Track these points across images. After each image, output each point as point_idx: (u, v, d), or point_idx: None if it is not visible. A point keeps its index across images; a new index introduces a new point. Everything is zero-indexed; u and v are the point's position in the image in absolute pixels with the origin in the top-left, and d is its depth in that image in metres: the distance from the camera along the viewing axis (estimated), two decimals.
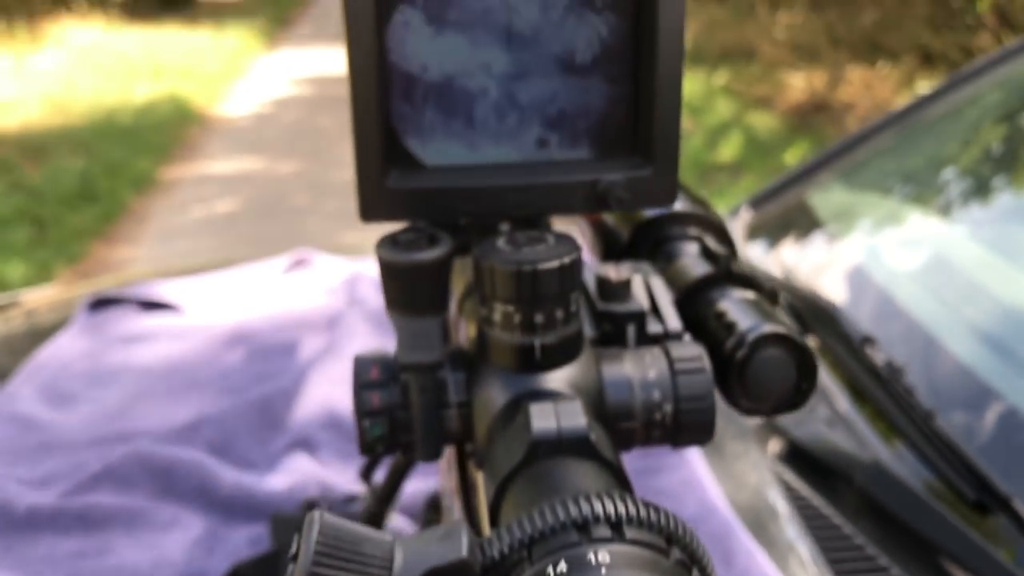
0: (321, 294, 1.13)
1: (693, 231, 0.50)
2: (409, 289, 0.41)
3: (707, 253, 0.47)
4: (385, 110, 0.43)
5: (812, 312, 1.05)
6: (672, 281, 0.47)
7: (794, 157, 5.01)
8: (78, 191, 4.56)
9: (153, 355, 0.99)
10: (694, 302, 0.45)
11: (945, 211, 1.25)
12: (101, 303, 1.14)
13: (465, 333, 0.47)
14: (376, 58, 0.41)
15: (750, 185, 4.50)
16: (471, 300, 0.46)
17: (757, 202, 1.44)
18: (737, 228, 1.38)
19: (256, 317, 1.07)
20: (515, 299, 0.39)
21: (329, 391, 0.87)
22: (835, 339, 0.98)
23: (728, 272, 0.45)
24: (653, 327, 0.44)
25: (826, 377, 0.91)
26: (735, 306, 0.43)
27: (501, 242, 0.41)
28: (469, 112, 0.44)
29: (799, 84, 6.45)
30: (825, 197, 1.35)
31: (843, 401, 0.88)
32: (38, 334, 1.11)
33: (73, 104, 6.27)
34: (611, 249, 0.51)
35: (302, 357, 0.96)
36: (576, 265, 0.40)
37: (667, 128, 0.43)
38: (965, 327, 0.92)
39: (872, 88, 6.22)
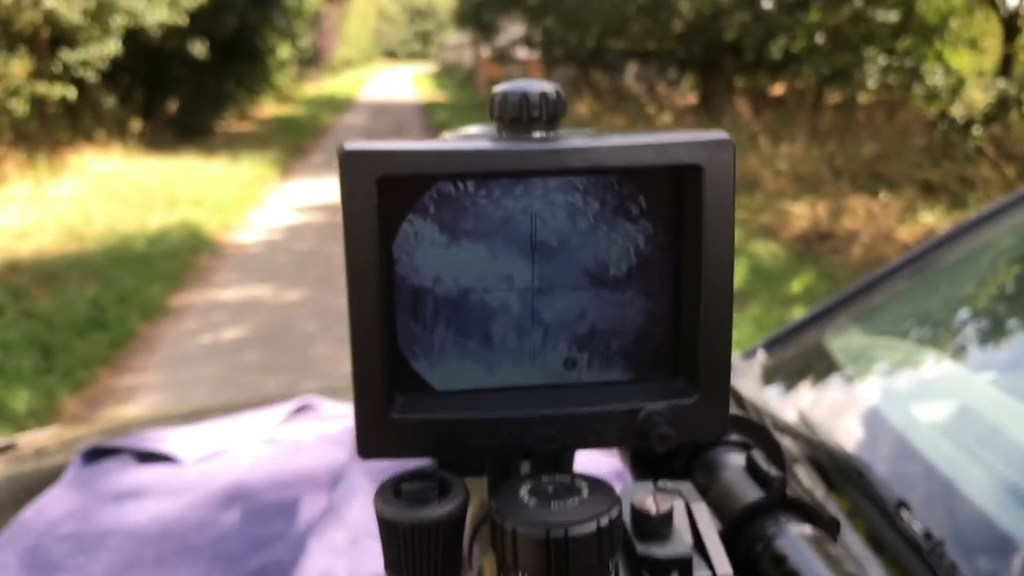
0: (324, 446, 1.09)
1: (736, 437, 0.45)
2: (414, 553, 0.35)
3: (754, 470, 0.41)
4: (390, 329, 0.38)
5: (837, 469, 1.00)
6: (717, 506, 0.41)
7: (800, 285, 5.01)
8: (88, 318, 4.57)
9: (145, 515, 0.94)
10: (745, 535, 0.40)
11: (970, 357, 1.21)
12: (95, 452, 1.09)
13: (478, 571, 0.41)
14: (380, 271, 0.37)
15: (757, 313, 4.48)
16: (487, 529, 0.39)
17: (772, 345, 1.41)
18: (753, 371, 1.34)
19: (255, 472, 1.02)
20: (544, 570, 0.33)
21: (328, 564, 0.81)
22: (865, 500, 0.93)
23: (782, 498, 0.39)
24: (700, 573, 0.37)
25: (858, 546, 0.85)
26: (796, 549, 0.37)
27: (524, 492, 0.35)
28: (487, 330, 0.39)
29: (802, 213, 6.54)
30: (843, 340, 1.32)
31: (879, 575, 0.82)
32: (34, 480, 1.06)
33: (88, 231, 6.38)
34: (642, 454, 0.46)
35: (301, 520, 0.91)
36: (616, 525, 0.34)
37: (716, 349, 0.38)
38: (1005, 489, 0.87)
39: (875, 217, 6.30)
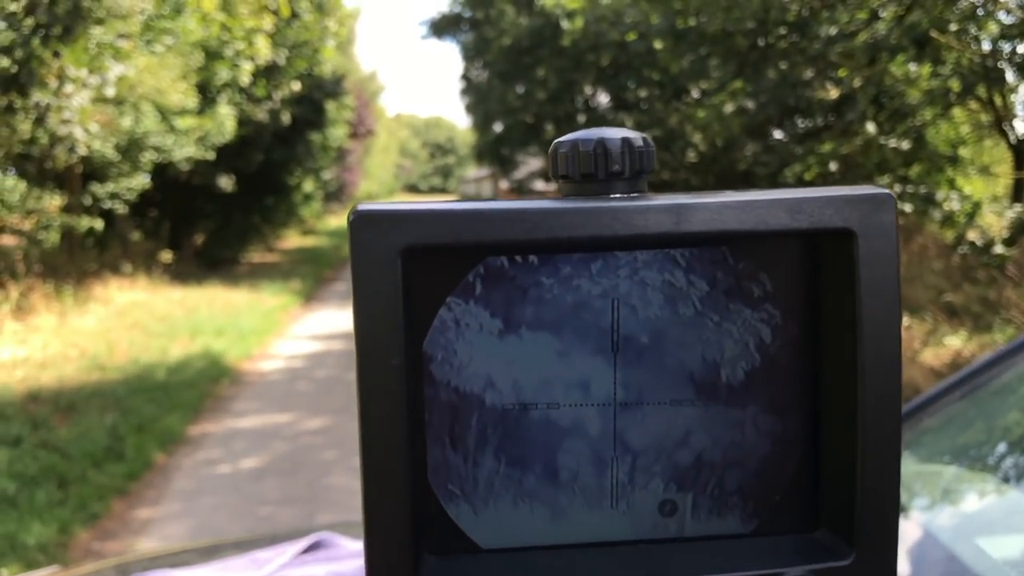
0: None
1: None
2: None
3: None
4: (417, 461, 0.28)
5: None
6: None
7: None
8: (105, 448, 4.52)
9: None
10: None
11: None
12: None
13: None
14: (405, 379, 0.27)
15: None
16: None
17: None
18: None
19: None
20: None
21: None
22: None
23: None
24: None
25: None
26: None
27: None
28: (552, 461, 0.28)
29: None
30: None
31: None
32: None
33: (110, 361, 6.39)
34: None
35: None
36: None
37: (879, 488, 0.27)
38: None
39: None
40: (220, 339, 7.31)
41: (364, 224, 0.27)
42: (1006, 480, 1.19)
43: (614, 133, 0.29)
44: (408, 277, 0.27)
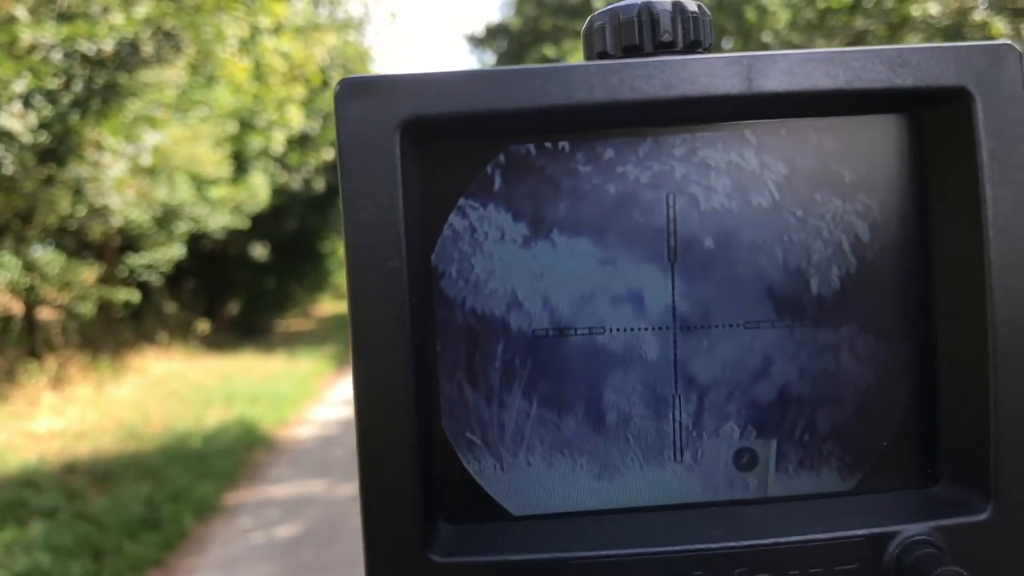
0: None
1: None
2: None
3: None
4: (427, 405, 0.21)
5: None
6: None
7: None
8: (140, 518, 4.46)
9: None
10: None
11: None
12: None
13: None
14: (408, 296, 0.21)
15: None
16: None
17: None
18: None
19: None
20: None
21: None
22: None
23: None
24: None
25: None
26: None
27: None
28: (596, 400, 0.22)
29: None
30: None
31: None
32: None
33: (146, 431, 6.38)
34: None
35: None
36: None
37: (1020, 426, 0.20)
38: None
39: None
40: (255, 406, 7.28)
41: (353, 94, 0.20)
42: None
43: None
44: (409, 166, 0.21)
